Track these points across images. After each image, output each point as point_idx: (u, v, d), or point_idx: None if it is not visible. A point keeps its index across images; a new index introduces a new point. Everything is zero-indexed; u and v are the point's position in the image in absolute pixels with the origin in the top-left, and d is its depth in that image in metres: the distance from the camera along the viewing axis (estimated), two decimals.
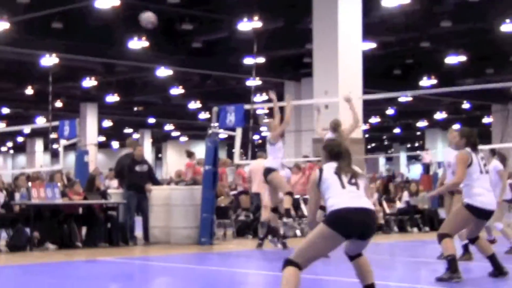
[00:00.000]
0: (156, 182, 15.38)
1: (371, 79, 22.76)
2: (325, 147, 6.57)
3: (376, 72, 27.70)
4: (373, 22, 21.80)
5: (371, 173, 24.64)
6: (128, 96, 35.83)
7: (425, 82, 29.34)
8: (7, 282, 9.17)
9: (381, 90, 21.74)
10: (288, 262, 5.99)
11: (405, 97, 33.20)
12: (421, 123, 47.33)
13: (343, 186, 6.13)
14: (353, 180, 6.19)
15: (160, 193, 14.73)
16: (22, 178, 14.79)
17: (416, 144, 62.06)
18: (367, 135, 23.01)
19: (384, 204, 17.92)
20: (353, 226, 5.97)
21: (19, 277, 9.76)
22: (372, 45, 23.80)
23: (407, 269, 10.75)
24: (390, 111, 41.02)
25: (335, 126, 11.74)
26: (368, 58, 20.96)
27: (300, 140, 28.63)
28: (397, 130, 52.26)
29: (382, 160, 56.14)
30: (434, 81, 29.32)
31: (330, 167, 6.28)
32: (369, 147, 55.78)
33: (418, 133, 53.35)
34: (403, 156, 58.55)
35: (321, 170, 6.30)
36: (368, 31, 20.90)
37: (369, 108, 27.61)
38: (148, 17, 11.90)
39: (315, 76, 20.01)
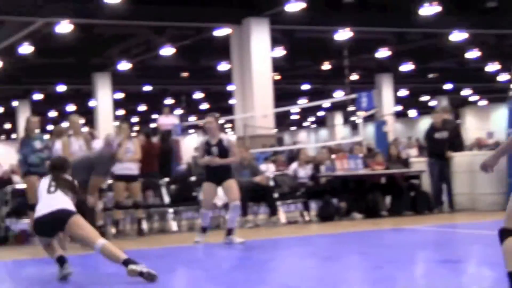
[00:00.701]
0: (457, 149, 15.10)
1: None
2: None
3: None
4: None
5: None
6: (423, 64, 35.49)
7: None
8: (319, 250, 9.63)
9: None
10: (505, 233, 5.05)
11: None
12: None
13: None
14: None
15: (462, 160, 14.47)
16: (325, 151, 15.41)
17: None
18: None
19: None
20: None
21: (330, 245, 10.21)
22: None
23: None
24: None
25: None
26: None
27: None
28: None
29: None
30: None
31: None
32: None
33: None
34: None
35: None
36: None
37: None
38: None
39: None
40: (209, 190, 10.40)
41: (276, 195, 13.31)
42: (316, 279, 6.98)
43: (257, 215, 13.69)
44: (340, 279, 6.95)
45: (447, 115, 15.43)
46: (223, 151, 10.25)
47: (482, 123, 49.38)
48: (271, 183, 13.72)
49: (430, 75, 40.42)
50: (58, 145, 11.86)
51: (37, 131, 11.53)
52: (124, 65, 30.17)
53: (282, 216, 13.33)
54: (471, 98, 51.32)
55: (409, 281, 6.53)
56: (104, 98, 32.68)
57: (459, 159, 14.39)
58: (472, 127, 49.48)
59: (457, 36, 27.95)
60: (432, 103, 49.07)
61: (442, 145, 14.34)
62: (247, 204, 12.81)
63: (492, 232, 11.00)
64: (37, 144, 11.30)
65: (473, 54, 32.53)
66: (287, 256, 9.24)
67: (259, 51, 23.51)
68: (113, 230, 11.92)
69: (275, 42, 25.77)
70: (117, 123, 17.72)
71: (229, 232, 10.22)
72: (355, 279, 7.07)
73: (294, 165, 14.57)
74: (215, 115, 10.74)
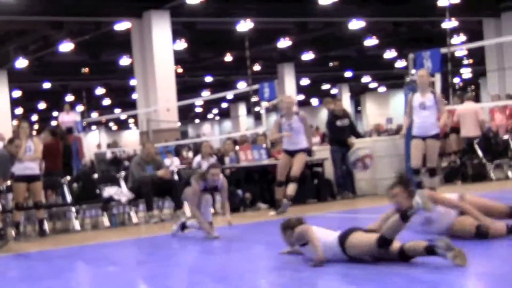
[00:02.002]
0: (358, 135, 15.46)
1: None
2: None
3: None
4: None
5: None
6: (323, 52, 36.05)
7: None
8: (230, 240, 9.64)
9: None
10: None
11: None
12: None
13: None
14: None
15: (363, 146, 14.76)
16: (229, 143, 15.44)
17: None
18: None
19: None
20: None
21: (238, 235, 10.22)
22: None
23: None
24: None
25: None
26: None
27: (504, 78, 27.42)
28: None
29: None
30: None
31: None
32: None
33: None
34: None
35: None
36: None
37: None
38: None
39: None
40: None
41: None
42: (220, 269, 7.01)
43: (162, 210, 13.59)
44: (246, 268, 7.00)
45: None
46: None
47: (382, 109, 50.61)
48: (175, 177, 13.64)
49: (331, 64, 41.13)
50: None
51: None
52: (21, 62, 29.37)
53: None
54: (371, 85, 52.53)
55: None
56: (0, 97, 31.70)
57: (359, 145, 14.67)
58: (372, 113, 50.63)
59: (356, 24, 28.54)
60: (333, 91, 49.92)
61: (344, 132, 14.61)
62: (151, 199, 12.72)
63: None
64: None
65: (371, 41, 33.28)
66: (192, 250, 9.22)
67: (161, 44, 23.35)
68: (13, 232, 11.61)
69: (176, 34, 25.65)
70: (16, 122, 17.24)
71: None
72: (260, 267, 7.13)
73: (197, 158, 14.53)
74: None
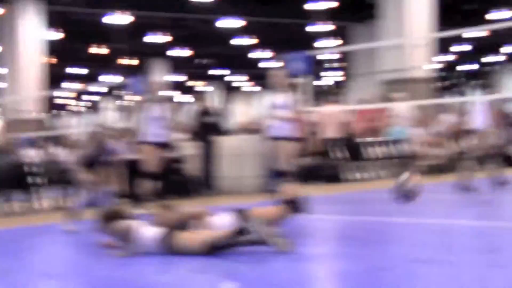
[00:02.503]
0: (224, 133, 15.57)
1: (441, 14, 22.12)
2: None
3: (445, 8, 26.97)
4: None
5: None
6: (196, 49, 36.07)
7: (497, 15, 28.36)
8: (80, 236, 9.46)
9: (449, 27, 21.09)
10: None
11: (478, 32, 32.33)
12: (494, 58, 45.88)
13: None
14: None
15: (229, 143, 14.91)
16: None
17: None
18: (437, 74, 22.72)
19: None
20: None
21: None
22: None
23: None
24: (463, 48, 39.78)
25: None
26: None
27: (369, 83, 28.36)
28: (470, 67, 50.58)
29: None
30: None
31: None
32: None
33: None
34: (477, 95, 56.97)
35: None
36: None
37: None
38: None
39: (381, 17, 19.68)
40: None
41: (39, 180, 12.91)
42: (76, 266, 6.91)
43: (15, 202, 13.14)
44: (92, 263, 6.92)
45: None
46: None
47: (250, 108, 51.24)
48: (34, 168, 13.26)
49: (203, 61, 41.23)
50: None
51: None
52: None
53: (44, 202, 12.97)
54: (240, 84, 53.06)
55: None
56: None
57: (226, 143, 14.80)
58: (240, 111, 51.18)
59: (228, 22, 28.74)
60: (203, 88, 50.07)
61: (210, 128, 14.69)
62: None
63: None
64: None
65: (243, 41, 33.62)
66: (48, 244, 9.00)
67: (31, 33, 22.83)
68: None
69: (49, 24, 25.02)
70: None
71: None
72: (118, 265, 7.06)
73: (59, 150, 14.22)
74: None
